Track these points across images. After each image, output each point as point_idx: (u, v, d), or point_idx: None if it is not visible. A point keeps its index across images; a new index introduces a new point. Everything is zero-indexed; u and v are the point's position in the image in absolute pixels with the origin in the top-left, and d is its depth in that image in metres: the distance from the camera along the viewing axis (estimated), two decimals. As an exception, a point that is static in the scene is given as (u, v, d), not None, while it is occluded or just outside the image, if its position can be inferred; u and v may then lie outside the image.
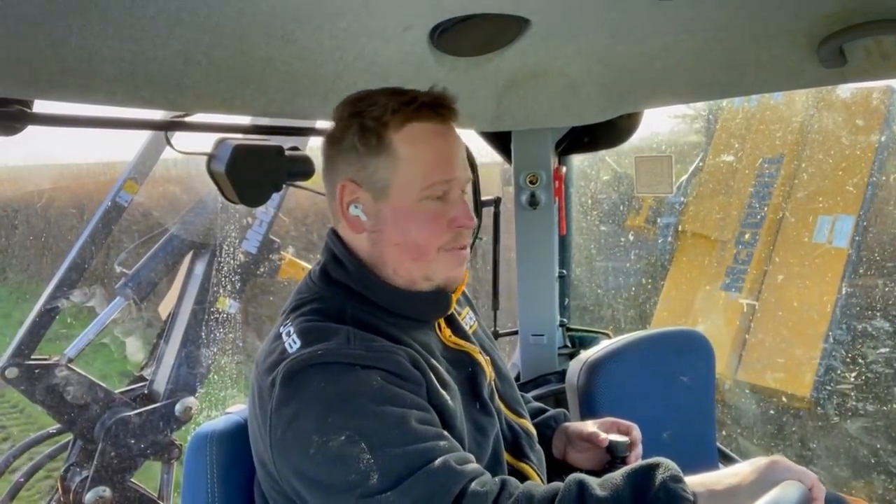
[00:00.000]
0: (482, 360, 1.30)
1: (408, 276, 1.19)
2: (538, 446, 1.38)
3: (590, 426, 1.44)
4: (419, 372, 1.10)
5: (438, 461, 0.96)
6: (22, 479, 4.15)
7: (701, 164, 6.26)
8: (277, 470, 1.07)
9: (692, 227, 6.07)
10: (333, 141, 1.19)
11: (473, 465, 1.00)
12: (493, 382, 1.33)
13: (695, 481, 0.97)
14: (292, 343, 1.09)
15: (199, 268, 4.61)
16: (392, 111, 1.14)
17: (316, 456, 0.98)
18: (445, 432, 1.05)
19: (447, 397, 1.13)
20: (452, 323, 1.33)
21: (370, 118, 1.15)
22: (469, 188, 1.31)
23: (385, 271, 1.20)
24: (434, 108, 1.17)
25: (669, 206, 6.25)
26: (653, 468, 0.96)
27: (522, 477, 1.28)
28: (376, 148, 1.15)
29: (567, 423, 1.52)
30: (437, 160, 1.17)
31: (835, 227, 5.22)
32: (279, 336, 1.13)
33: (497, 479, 1.00)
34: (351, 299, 1.18)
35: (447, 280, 1.22)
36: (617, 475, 0.98)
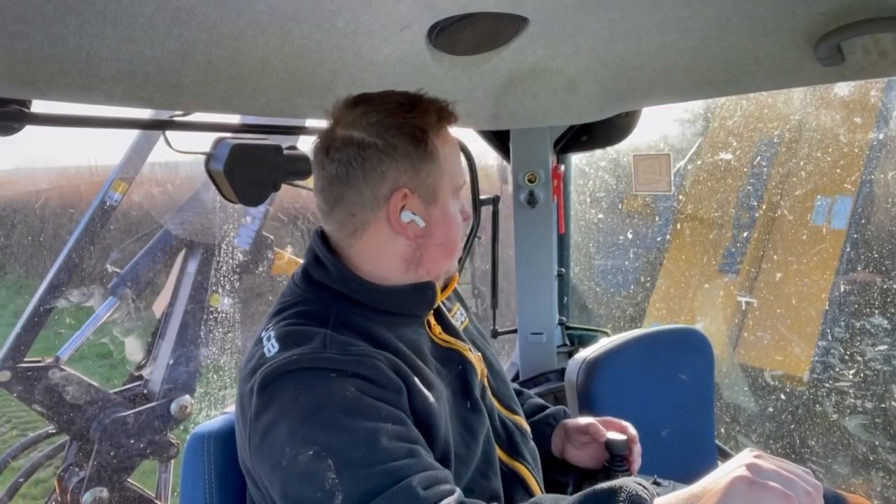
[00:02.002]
0: (473, 357, 1.29)
1: (436, 274, 1.24)
2: (532, 443, 1.37)
3: (588, 419, 1.45)
4: (399, 377, 1.08)
5: (402, 484, 0.94)
6: (21, 479, 4.15)
7: (696, 156, 6.25)
8: (259, 477, 1.07)
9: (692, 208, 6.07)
10: (381, 150, 1.15)
11: (440, 489, 0.97)
12: (485, 379, 1.33)
13: None
14: (271, 348, 1.08)
15: (192, 265, 4.60)
16: (437, 118, 1.19)
17: (287, 469, 0.97)
18: (418, 447, 1.02)
19: (431, 399, 1.11)
20: (442, 320, 1.32)
21: (419, 126, 1.16)
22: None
23: (412, 275, 1.22)
24: (454, 114, 1.24)
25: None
26: (614, 493, 0.93)
27: (516, 476, 1.28)
28: (428, 154, 1.17)
29: (566, 420, 1.52)
30: (459, 161, 1.26)
31: (833, 208, 5.23)
32: (260, 340, 1.12)
33: (455, 501, 0.97)
34: (335, 300, 1.17)
35: (455, 269, 1.31)
36: (573, 498, 0.96)
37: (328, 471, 0.94)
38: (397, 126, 1.15)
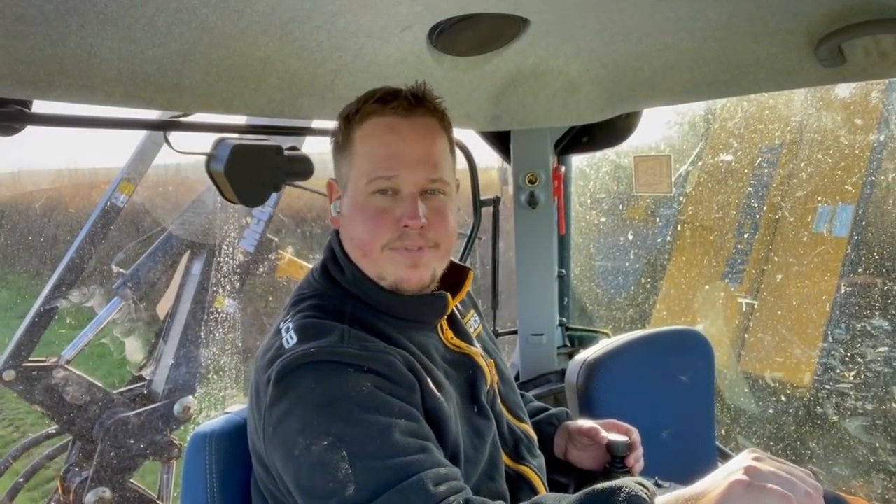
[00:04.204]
0: (483, 363, 1.29)
1: (368, 272, 1.19)
2: (538, 451, 1.38)
3: (591, 422, 1.45)
4: (413, 375, 1.10)
5: (414, 479, 0.95)
6: (22, 480, 4.15)
7: (697, 158, 6.24)
8: (272, 466, 1.08)
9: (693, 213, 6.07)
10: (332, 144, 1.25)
11: (450, 484, 0.98)
12: (496, 386, 1.33)
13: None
14: (289, 339, 1.09)
15: (197, 267, 4.61)
16: (356, 109, 1.16)
17: (300, 458, 0.98)
18: (429, 444, 1.03)
19: (442, 400, 1.12)
20: (455, 325, 1.32)
21: (343, 118, 1.19)
22: (458, 188, 1.30)
23: (360, 266, 1.21)
24: (385, 102, 1.15)
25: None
26: (613, 492, 0.92)
27: (523, 479, 1.28)
28: (343, 146, 1.19)
29: (569, 422, 1.52)
30: (383, 155, 1.14)
31: (834, 215, 5.22)
32: (279, 332, 1.13)
33: (462, 498, 0.97)
34: (349, 298, 1.19)
35: (399, 280, 1.17)
36: (574, 498, 0.95)
37: (342, 461, 0.95)
38: (338, 118, 1.21)
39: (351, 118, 1.17)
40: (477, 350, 1.30)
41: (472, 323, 1.41)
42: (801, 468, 0.91)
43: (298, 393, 1.02)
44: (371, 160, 1.14)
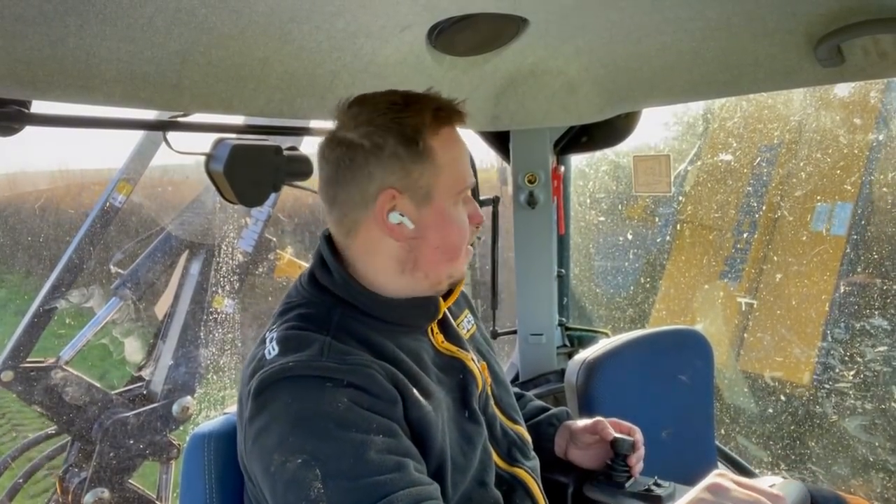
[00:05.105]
0: (475, 367, 1.28)
1: (435, 278, 1.21)
2: (533, 454, 1.37)
3: (595, 419, 1.45)
4: (396, 387, 1.08)
5: (385, 501, 0.94)
6: (21, 481, 4.15)
7: (696, 157, 6.25)
8: (255, 477, 1.08)
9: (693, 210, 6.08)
10: (367, 150, 1.14)
11: None
12: (490, 388, 1.32)
13: None
14: (271, 350, 1.09)
15: (195, 267, 4.61)
16: (432, 117, 1.16)
17: (275, 475, 0.98)
18: (408, 460, 1.02)
19: (429, 408, 1.11)
20: (446, 328, 1.31)
21: (411, 125, 1.14)
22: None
23: (408, 277, 1.19)
24: (458, 113, 1.22)
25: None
26: None
27: (517, 481, 1.28)
28: (420, 154, 1.14)
29: (569, 421, 1.52)
30: (466, 163, 1.23)
31: (833, 214, 5.23)
32: (264, 341, 1.13)
33: None
34: (338, 305, 1.17)
35: (461, 275, 1.26)
36: None
37: (315, 480, 0.95)
38: (385, 126, 1.13)
39: (425, 127, 1.14)
40: (468, 354, 1.29)
41: (466, 324, 1.40)
42: (770, 492, 0.89)
43: (275, 408, 1.02)
44: (458, 169, 1.21)
